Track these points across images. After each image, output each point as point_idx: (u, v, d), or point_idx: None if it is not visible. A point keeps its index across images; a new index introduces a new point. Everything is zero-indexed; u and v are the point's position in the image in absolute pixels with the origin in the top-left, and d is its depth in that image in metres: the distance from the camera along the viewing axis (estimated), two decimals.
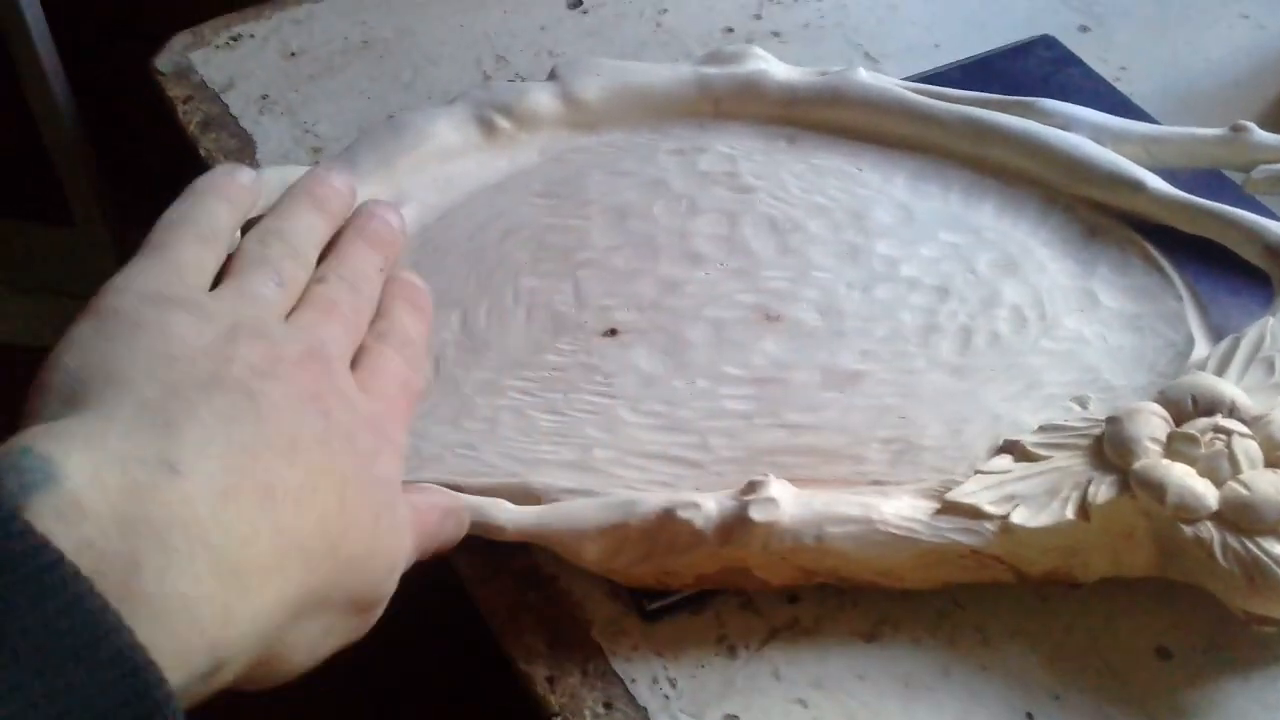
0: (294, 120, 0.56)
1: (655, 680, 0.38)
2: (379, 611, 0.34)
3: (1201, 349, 0.43)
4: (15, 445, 0.26)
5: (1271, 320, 0.42)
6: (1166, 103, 0.55)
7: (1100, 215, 0.48)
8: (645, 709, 0.37)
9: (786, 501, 0.38)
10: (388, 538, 0.33)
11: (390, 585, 0.34)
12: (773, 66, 0.53)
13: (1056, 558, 0.38)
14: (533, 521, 0.39)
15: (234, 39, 0.60)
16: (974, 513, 0.38)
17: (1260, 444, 0.38)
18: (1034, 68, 0.56)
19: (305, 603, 0.30)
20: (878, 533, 0.38)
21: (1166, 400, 0.40)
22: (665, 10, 0.62)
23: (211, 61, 0.59)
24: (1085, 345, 0.44)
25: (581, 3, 0.62)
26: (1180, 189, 0.47)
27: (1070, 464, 0.39)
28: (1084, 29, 0.60)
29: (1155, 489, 0.37)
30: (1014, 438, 0.40)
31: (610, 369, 0.44)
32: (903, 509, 0.39)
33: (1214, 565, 0.36)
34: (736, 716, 0.37)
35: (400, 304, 0.39)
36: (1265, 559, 0.35)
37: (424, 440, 0.41)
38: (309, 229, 0.38)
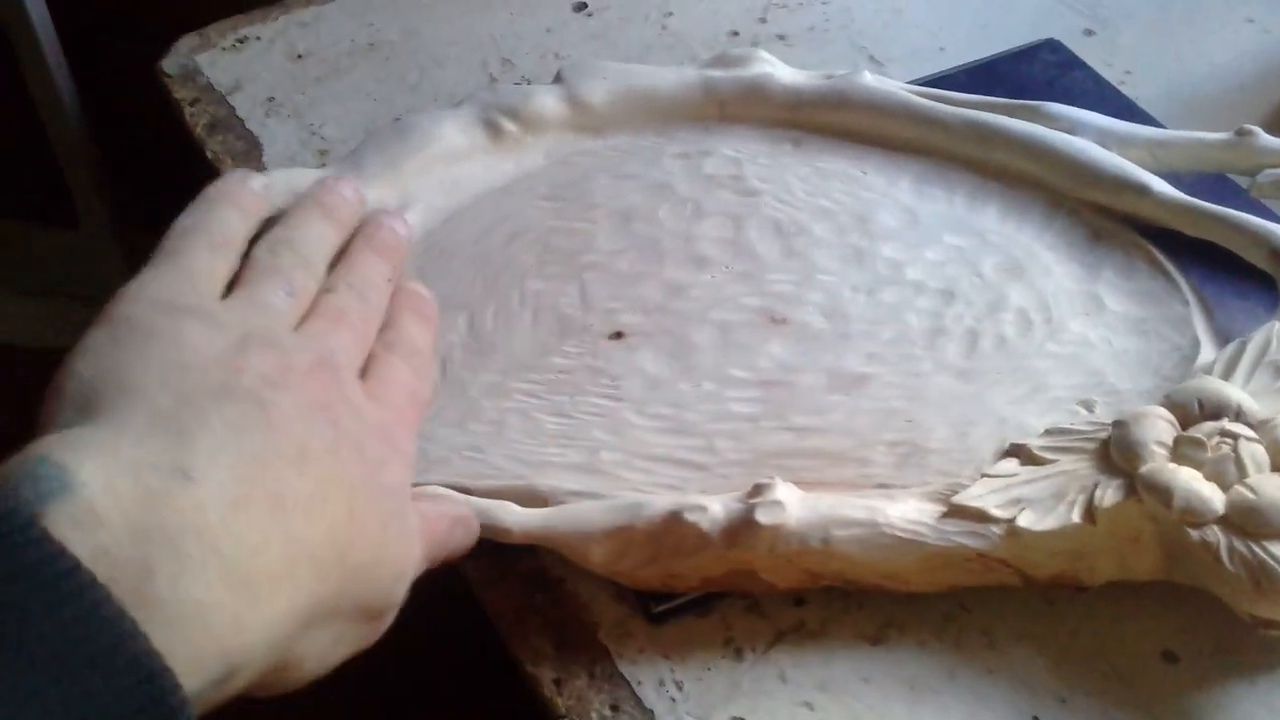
0: (300, 122, 0.56)
1: (662, 682, 0.38)
2: (389, 619, 0.34)
3: (1207, 353, 0.43)
4: (32, 454, 0.27)
5: (1278, 324, 0.42)
6: (1171, 106, 0.55)
7: (1105, 219, 0.48)
8: (652, 711, 0.37)
9: (792, 504, 0.38)
10: (396, 546, 0.34)
11: (399, 593, 0.34)
12: (778, 70, 0.53)
13: (1062, 561, 0.38)
14: (539, 524, 0.39)
15: (240, 41, 0.60)
16: (980, 516, 0.38)
17: (1266, 448, 0.38)
18: (1039, 71, 0.56)
19: (315, 612, 0.30)
20: (884, 536, 0.38)
21: (1173, 404, 0.40)
22: (670, 13, 0.62)
23: (218, 64, 0.59)
24: (1091, 349, 0.44)
25: (587, 5, 0.62)
26: (1185, 193, 0.48)
27: (1076, 468, 0.39)
28: (1089, 33, 0.60)
29: (1161, 493, 0.37)
30: (1020, 441, 0.40)
31: (616, 372, 0.44)
32: (909, 512, 0.39)
33: (1220, 569, 0.36)
34: (743, 719, 0.37)
35: (407, 314, 0.40)
36: (1271, 563, 0.36)
37: (431, 443, 0.42)
38: (319, 239, 0.39)
